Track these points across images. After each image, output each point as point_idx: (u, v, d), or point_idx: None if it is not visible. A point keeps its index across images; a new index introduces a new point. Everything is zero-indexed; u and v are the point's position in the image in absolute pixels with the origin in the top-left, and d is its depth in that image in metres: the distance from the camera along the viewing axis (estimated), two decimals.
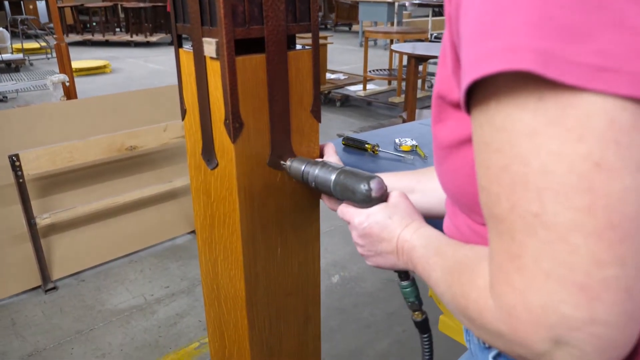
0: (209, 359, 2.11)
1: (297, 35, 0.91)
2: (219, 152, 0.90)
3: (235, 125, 0.84)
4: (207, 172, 0.95)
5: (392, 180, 0.92)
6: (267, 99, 0.87)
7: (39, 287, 2.62)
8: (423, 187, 0.92)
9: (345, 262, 2.89)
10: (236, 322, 1.01)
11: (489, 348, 0.69)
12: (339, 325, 2.36)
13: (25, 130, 2.58)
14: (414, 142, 1.65)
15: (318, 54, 0.91)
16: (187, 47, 0.92)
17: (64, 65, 2.86)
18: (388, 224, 0.75)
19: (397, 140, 1.67)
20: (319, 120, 0.96)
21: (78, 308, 2.49)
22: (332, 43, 6.75)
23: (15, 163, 2.33)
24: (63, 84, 2.74)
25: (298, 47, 0.92)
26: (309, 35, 0.90)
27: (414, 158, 1.54)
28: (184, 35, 0.92)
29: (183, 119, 0.98)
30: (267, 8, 0.81)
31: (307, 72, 0.91)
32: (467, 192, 0.57)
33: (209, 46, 0.81)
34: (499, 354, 0.68)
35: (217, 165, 0.91)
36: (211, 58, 0.83)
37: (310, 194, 1.00)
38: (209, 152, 0.92)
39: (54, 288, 2.62)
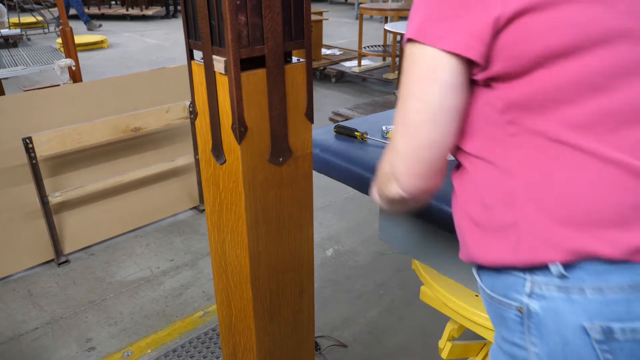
0: (213, 326, 2.31)
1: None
2: (226, 151, 1.05)
3: (241, 130, 1.00)
4: (217, 167, 1.11)
5: None
6: (268, 107, 1.02)
7: (52, 260, 2.79)
8: None
9: (339, 237, 3.07)
10: (242, 294, 1.18)
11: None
12: (333, 295, 2.55)
13: (35, 113, 2.72)
14: None
15: (311, 66, 1.06)
16: (198, 59, 1.07)
17: (69, 49, 2.98)
18: None
19: (384, 128, 1.82)
20: (311, 121, 1.12)
21: (89, 280, 2.67)
22: (327, 19, 6.82)
23: (28, 145, 2.48)
24: (69, 67, 2.87)
25: (294, 59, 1.07)
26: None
27: None
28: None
29: (194, 120, 1.14)
30: (267, 31, 0.96)
31: (302, 82, 1.06)
32: None
33: (219, 64, 0.97)
34: (480, 268, 0.88)
35: (225, 161, 1.07)
36: (220, 73, 0.98)
37: (305, 186, 1.16)
38: (218, 150, 1.08)
39: (66, 261, 2.79)
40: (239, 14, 0.92)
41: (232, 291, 1.22)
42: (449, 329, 1.74)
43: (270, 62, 0.99)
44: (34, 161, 2.52)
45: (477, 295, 1.57)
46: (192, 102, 1.12)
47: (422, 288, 1.72)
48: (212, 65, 0.99)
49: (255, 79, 0.99)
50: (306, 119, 1.11)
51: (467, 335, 1.74)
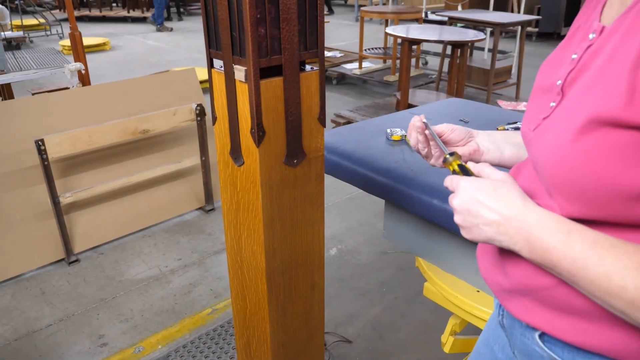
0: (221, 323, 2.38)
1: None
2: (245, 153, 1.13)
3: (259, 134, 1.07)
4: (234, 168, 1.18)
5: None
6: (284, 112, 1.10)
7: (62, 259, 2.86)
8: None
9: (343, 236, 3.14)
10: (257, 288, 1.26)
11: (534, 329, 0.76)
12: (337, 293, 2.62)
13: (46, 115, 2.80)
14: (404, 132, 1.88)
15: (324, 74, 1.13)
16: (218, 67, 1.14)
17: (78, 53, 3.05)
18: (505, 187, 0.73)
19: (388, 131, 1.90)
20: (324, 125, 1.19)
21: (100, 278, 2.74)
22: (328, 22, 6.89)
23: (40, 147, 2.55)
24: (79, 71, 2.95)
25: (307, 68, 1.14)
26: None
27: (403, 148, 1.77)
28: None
29: (214, 124, 1.21)
30: (284, 42, 1.04)
31: (315, 89, 1.14)
32: (604, 179, 0.61)
33: (239, 72, 1.04)
34: (543, 334, 0.75)
35: (243, 163, 1.14)
36: (240, 81, 1.05)
37: (316, 185, 1.24)
38: (236, 153, 1.15)
39: (77, 260, 2.86)
40: (259, 27, 0.99)
41: (248, 285, 1.30)
42: (451, 323, 1.81)
43: (287, 70, 1.06)
44: (45, 162, 2.59)
45: (478, 291, 1.65)
46: (212, 108, 1.19)
47: (426, 284, 1.80)
48: (233, 74, 1.06)
49: (273, 86, 1.06)
50: (319, 123, 1.18)
51: (468, 330, 1.82)
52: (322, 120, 1.18)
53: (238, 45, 1.03)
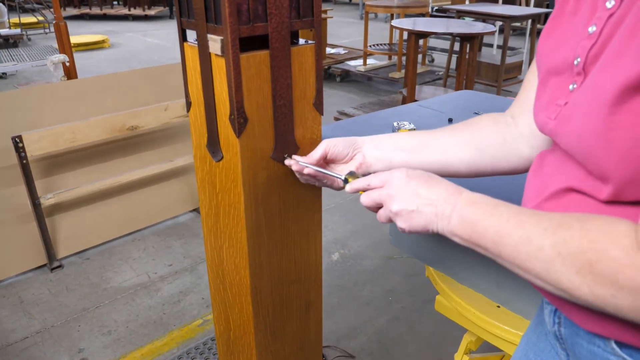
0: (212, 335, 2.17)
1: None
2: (224, 146, 0.92)
3: (239, 121, 0.86)
4: (213, 164, 0.98)
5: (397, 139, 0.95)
6: (271, 94, 0.89)
7: (44, 265, 2.66)
8: (439, 142, 0.93)
9: (346, 240, 2.93)
10: (241, 308, 1.05)
11: (607, 337, 0.67)
12: (339, 302, 2.42)
13: (26, 111, 2.60)
14: (412, 126, 1.67)
15: (321, 48, 0.93)
16: (192, 41, 0.94)
17: (64, 44, 2.86)
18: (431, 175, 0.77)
19: (395, 124, 1.69)
20: (321, 112, 0.99)
21: (84, 286, 2.54)
22: (332, 17, 6.69)
23: (18, 144, 2.35)
24: (63, 63, 2.75)
25: (301, 41, 0.93)
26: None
27: None
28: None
29: (188, 110, 1.00)
30: (270, 5, 0.83)
31: (310, 67, 0.93)
32: None
33: (214, 44, 0.83)
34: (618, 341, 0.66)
35: (222, 157, 0.94)
36: (216, 55, 0.85)
37: (313, 186, 1.03)
38: (214, 145, 0.94)
39: (60, 266, 2.66)
40: None
41: (231, 304, 1.09)
42: (466, 341, 1.61)
43: (274, 42, 0.85)
44: (24, 161, 2.40)
45: (498, 307, 1.44)
46: (186, 90, 0.98)
47: (438, 297, 1.59)
48: (207, 46, 0.85)
49: (257, 62, 0.85)
50: (315, 110, 0.97)
51: (484, 346, 1.61)
52: (318, 106, 0.97)
53: (213, 10, 0.83)
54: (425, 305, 2.37)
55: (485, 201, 0.69)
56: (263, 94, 0.88)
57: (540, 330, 0.86)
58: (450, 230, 0.71)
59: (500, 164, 0.91)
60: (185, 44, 0.94)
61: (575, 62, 0.65)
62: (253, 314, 1.02)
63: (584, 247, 0.56)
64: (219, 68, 0.85)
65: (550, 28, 0.75)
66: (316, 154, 0.91)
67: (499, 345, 1.43)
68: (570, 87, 0.66)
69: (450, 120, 1.79)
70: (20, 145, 2.36)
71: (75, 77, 2.93)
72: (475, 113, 1.86)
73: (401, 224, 0.75)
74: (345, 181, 0.84)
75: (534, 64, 0.84)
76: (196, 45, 0.90)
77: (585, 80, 0.63)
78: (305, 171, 0.90)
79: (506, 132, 0.90)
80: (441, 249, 1.52)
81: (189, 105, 0.99)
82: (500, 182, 1.13)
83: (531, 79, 0.85)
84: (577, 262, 0.57)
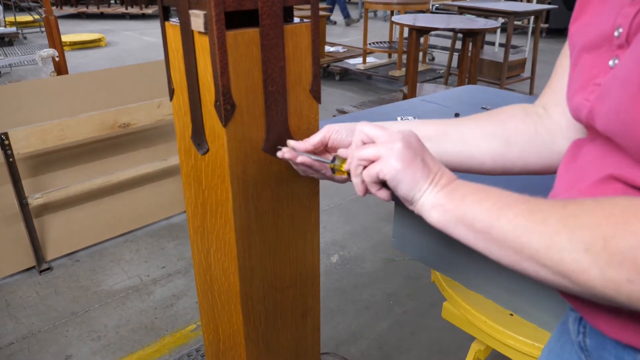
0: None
1: (294, 7, 0.83)
2: (209, 137, 0.82)
3: (226, 108, 0.76)
4: (198, 157, 0.88)
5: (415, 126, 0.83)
6: (262, 78, 0.79)
7: (33, 267, 2.56)
8: (460, 130, 0.82)
9: (345, 241, 2.84)
10: (230, 317, 0.95)
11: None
12: (339, 306, 2.32)
13: (14, 107, 2.50)
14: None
15: (318, 27, 0.83)
16: (175, 20, 0.84)
17: (54, 39, 2.76)
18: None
19: (399, 119, 1.60)
20: (318, 100, 0.89)
21: (73, 289, 2.44)
22: (330, 14, 6.59)
23: (4, 142, 2.26)
24: (53, 58, 2.65)
25: (296, 20, 0.84)
26: (308, 7, 0.82)
27: None
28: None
29: (171, 99, 0.91)
30: None
31: (306, 48, 0.83)
32: None
33: (197, 19, 0.73)
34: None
35: (207, 150, 0.84)
36: (199, 33, 0.75)
37: (310, 181, 0.93)
38: (199, 137, 0.85)
39: (49, 269, 2.56)
40: None
41: (220, 313, 0.99)
42: (474, 349, 1.51)
43: (265, 18, 0.76)
44: (10, 159, 2.30)
45: (511, 314, 1.34)
46: (168, 76, 0.89)
47: (445, 304, 1.49)
48: (189, 22, 0.76)
49: (246, 40, 0.76)
50: (311, 97, 0.87)
51: (492, 355, 1.52)
52: (315, 93, 0.88)
53: None
54: (428, 309, 2.27)
55: (475, 184, 0.62)
56: (252, 77, 0.78)
57: (565, 339, 0.76)
58: (435, 195, 0.62)
59: (531, 158, 0.79)
60: (166, 23, 0.84)
61: (616, 34, 0.56)
62: (243, 324, 0.92)
63: (599, 220, 0.46)
64: (203, 48, 0.75)
65: (581, 5, 0.66)
66: (314, 139, 0.80)
67: (511, 356, 1.34)
68: (611, 62, 0.57)
69: (456, 115, 1.70)
70: (6, 142, 2.26)
71: (66, 72, 2.83)
72: (483, 108, 1.76)
73: (387, 175, 0.64)
74: (333, 161, 0.74)
75: (565, 46, 0.73)
76: (177, 24, 0.81)
77: (627, 52, 0.54)
78: (299, 159, 0.80)
79: (538, 122, 0.79)
80: (448, 252, 1.42)
81: (171, 92, 0.89)
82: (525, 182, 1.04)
83: (564, 63, 0.74)
84: (588, 237, 0.46)
